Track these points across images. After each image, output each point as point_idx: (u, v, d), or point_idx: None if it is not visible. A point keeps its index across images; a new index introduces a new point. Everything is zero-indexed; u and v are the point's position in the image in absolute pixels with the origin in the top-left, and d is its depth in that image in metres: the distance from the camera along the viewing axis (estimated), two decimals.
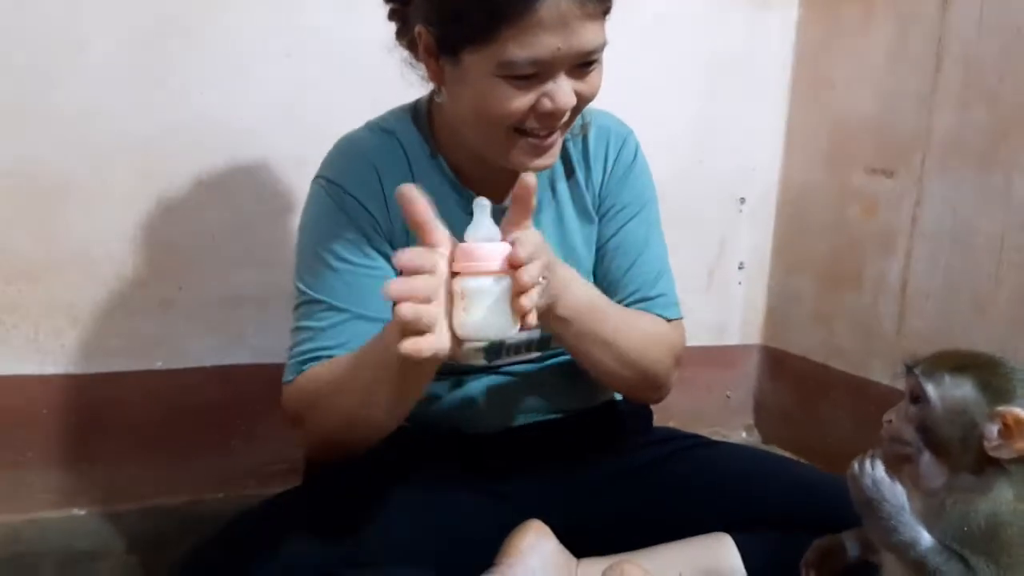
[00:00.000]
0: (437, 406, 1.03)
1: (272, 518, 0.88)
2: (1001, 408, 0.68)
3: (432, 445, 1.04)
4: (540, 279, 0.75)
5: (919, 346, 1.60)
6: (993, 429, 0.69)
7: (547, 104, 0.86)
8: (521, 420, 1.07)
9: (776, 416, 1.88)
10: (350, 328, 0.92)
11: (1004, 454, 0.68)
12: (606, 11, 0.88)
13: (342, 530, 0.87)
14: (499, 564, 0.92)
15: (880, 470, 0.72)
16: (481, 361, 1.03)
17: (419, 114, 1.02)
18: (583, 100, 0.90)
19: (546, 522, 0.97)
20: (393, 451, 1.06)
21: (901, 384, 0.79)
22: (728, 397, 1.88)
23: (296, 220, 1.33)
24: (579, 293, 0.90)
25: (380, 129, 1.02)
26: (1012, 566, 0.68)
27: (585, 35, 0.84)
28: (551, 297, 0.84)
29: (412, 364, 0.73)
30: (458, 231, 0.78)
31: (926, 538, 0.70)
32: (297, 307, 0.98)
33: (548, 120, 0.88)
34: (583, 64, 0.87)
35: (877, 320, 1.62)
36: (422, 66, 0.93)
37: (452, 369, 1.03)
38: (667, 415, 1.37)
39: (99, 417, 1.29)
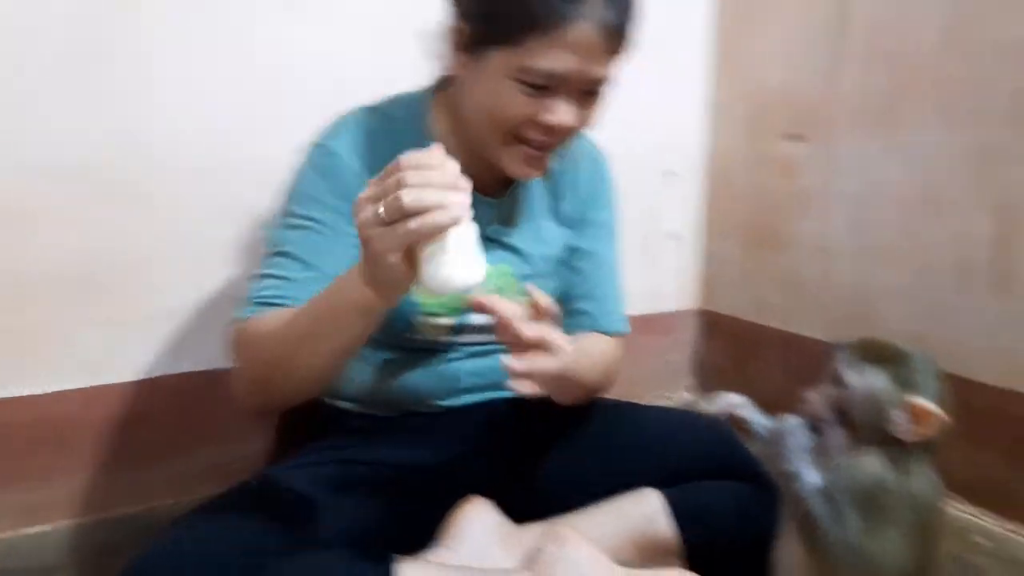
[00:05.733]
0: (399, 379, 1.08)
1: (210, 513, 0.90)
2: (910, 399, 0.78)
3: (380, 426, 1.09)
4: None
5: (841, 300, 1.68)
6: (901, 416, 0.78)
7: (549, 118, 0.93)
8: (466, 399, 1.12)
9: (713, 375, 1.96)
10: (315, 287, 0.91)
11: (908, 437, 0.78)
12: (622, 51, 0.96)
13: (279, 517, 0.89)
14: (444, 540, 0.96)
15: (795, 419, 0.83)
16: (446, 337, 1.08)
17: (423, 102, 1.07)
18: (579, 126, 0.98)
19: (489, 497, 1.02)
20: (340, 435, 1.10)
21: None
22: (667, 362, 1.95)
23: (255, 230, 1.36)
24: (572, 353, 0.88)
25: (380, 112, 1.06)
26: (877, 530, 0.76)
27: (600, 65, 0.93)
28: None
29: (366, 308, 0.81)
30: None
31: (813, 478, 0.78)
32: (267, 256, 1.01)
33: (546, 134, 0.95)
34: (588, 92, 0.95)
35: (801, 278, 1.70)
36: (442, 57, 1.00)
37: (418, 345, 1.07)
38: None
39: (59, 434, 1.29)
